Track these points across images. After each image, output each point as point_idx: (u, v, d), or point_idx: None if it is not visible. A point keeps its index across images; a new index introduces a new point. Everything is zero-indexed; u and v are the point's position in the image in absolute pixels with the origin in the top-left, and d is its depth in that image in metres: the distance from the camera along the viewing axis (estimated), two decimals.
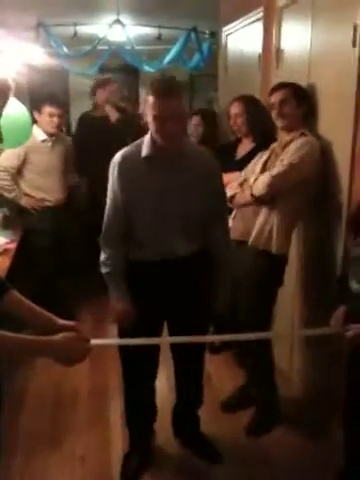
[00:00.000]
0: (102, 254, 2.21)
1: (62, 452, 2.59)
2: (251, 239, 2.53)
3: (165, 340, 1.86)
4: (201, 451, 2.53)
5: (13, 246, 3.34)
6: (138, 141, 2.15)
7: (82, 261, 4.20)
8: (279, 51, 3.19)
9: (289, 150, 2.47)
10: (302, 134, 2.53)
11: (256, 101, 3.12)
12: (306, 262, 2.73)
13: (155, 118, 1.96)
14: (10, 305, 1.59)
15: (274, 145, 2.66)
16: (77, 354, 1.49)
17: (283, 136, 2.61)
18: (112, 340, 1.89)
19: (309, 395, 2.91)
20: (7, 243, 3.36)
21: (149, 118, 1.99)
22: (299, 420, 2.79)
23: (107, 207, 2.19)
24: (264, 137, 2.93)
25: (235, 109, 3.06)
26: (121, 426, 2.72)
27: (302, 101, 2.55)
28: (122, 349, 2.29)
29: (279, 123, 2.57)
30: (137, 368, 2.32)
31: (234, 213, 2.67)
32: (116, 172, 2.11)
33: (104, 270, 2.20)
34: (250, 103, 3.07)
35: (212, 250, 2.25)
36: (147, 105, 1.98)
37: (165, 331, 2.38)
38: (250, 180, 2.54)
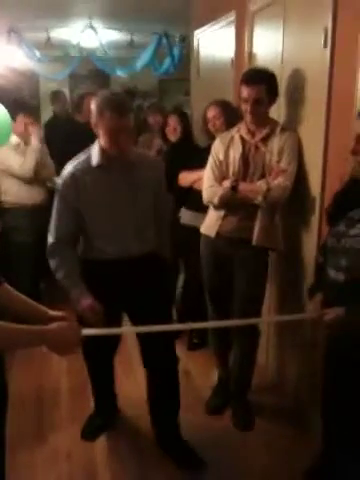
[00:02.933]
0: (54, 261, 2.31)
1: (47, 449, 2.62)
2: (255, 239, 2.58)
3: (152, 328, 1.89)
4: (184, 460, 2.50)
5: None
6: (84, 152, 2.32)
7: None
8: (251, 55, 3.30)
9: (282, 150, 2.54)
10: (282, 129, 2.60)
11: (230, 104, 3.22)
12: (281, 253, 2.83)
13: (110, 132, 2.16)
14: (3, 298, 1.63)
15: (239, 134, 2.68)
16: (70, 342, 1.54)
17: (254, 128, 2.64)
18: (102, 330, 1.93)
19: (285, 386, 3.01)
20: None
21: (101, 131, 2.19)
22: (276, 410, 2.89)
23: (55, 217, 2.32)
24: None
25: (213, 112, 3.13)
26: None
27: (273, 98, 2.59)
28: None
29: (249, 119, 2.59)
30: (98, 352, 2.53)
31: (224, 212, 2.68)
32: (68, 183, 2.26)
33: (60, 275, 2.30)
34: (226, 106, 3.16)
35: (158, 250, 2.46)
36: (99, 118, 2.16)
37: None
38: (259, 185, 2.54)
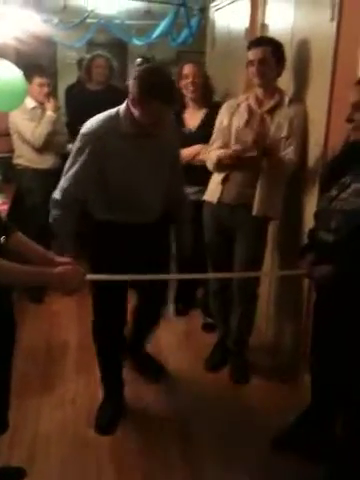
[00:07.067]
0: (61, 211, 2.30)
1: (53, 395, 2.78)
2: (256, 209, 2.66)
3: (159, 277, 2.03)
4: (146, 368, 2.93)
5: (5, 207, 3.47)
6: (112, 114, 2.25)
7: None
8: (264, 26, 3.35)
9: (292, 122, 2.60)
10: (290, 101, 2.66)
11: (208, 76, 3.32)
12: (283, 219, 2.94)
13: (154, 118, 2.13)
14: (16, 245, 1.78)
15: (247, 102, 2.72)
16: (74, 284, 1.68)
17: (262, 95, 2.70)
18: (106, 276, 2.04)
19: (282, 348, 3.14)
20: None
21: (143, 111, 2.12)
22: (272, 370, 3.03)
23: (73, 171, 2.26)
24: (214, 105, 3.15)
25: (191, 69, 3.17)
26: None
27: (280, 60, 2.63)
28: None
29: (256, 81, 2.65)
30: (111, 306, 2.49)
31: (222, 177, 2.76)
32: (92, 144, 2.21)
33: (62, 228, 2.33)
34: (203, 68, 3.26)
35: (176, 209, 2.57)
36: (144, 102, 2.09)
37: None
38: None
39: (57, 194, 2.31)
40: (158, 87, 2.06)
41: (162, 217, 2.48)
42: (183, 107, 3.27)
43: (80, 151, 2.25)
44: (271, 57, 2.59)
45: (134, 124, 2.20)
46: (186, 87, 3.20)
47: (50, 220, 2.34)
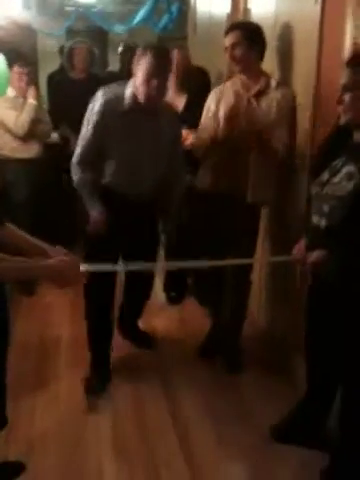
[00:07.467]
0: (77, 175, 2.52)
1: (48, 393, 2.73)
2: (250, 196, 2.64)
3: (154, 266, 2.05)
4: (138, 340, 3.09)
5: None
6: (119, 90, 2.46)
7: (58, 215, 4.30)
8: (246, 11, 3.32)
9: (280, 105, 2.57)
10: (278, 84, 2.62)
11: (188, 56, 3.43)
12: (274, 206, 2.93)
13: (146, 74, 2.32)
14: (7, 236, 1.73)
15: (233, 88, 2.69)
16: (69, 276, 1.62)
17: (245, 79, 2.67)
18: (101, 266, 1.99)
19: (275, 335, 3.14)
20: None
21: (139, 72, 2.35)
22: (265, 357, 3.04)
23: (85, 134, 2.50)
24: (196, 91, 3.22)
25: (174, 53, 3.12)
26: None
27: (255, 43, 2.58)
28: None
29: (234, 66, 2.66)
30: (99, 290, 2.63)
31: (213, 163, 2.74)
32: (99, 115, 2.44)
33: (81, 189, 2.54)
34: (187, 54, 3.33)
35: (170, 190, 2.70)
36: (139, 60, 2.34)
37: None
38: None
39: (74, 159, 2.54)
40: (152, 45, 2.41)
41: (155, 201, 2.62)
42: None
43: (88, 120, 2.50)
44: (244, 40, 2.56)
45: (136, 100, 2.40)
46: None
47: (74, 185, 2.55)
